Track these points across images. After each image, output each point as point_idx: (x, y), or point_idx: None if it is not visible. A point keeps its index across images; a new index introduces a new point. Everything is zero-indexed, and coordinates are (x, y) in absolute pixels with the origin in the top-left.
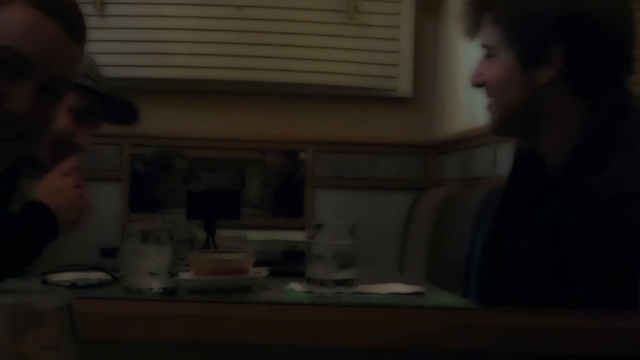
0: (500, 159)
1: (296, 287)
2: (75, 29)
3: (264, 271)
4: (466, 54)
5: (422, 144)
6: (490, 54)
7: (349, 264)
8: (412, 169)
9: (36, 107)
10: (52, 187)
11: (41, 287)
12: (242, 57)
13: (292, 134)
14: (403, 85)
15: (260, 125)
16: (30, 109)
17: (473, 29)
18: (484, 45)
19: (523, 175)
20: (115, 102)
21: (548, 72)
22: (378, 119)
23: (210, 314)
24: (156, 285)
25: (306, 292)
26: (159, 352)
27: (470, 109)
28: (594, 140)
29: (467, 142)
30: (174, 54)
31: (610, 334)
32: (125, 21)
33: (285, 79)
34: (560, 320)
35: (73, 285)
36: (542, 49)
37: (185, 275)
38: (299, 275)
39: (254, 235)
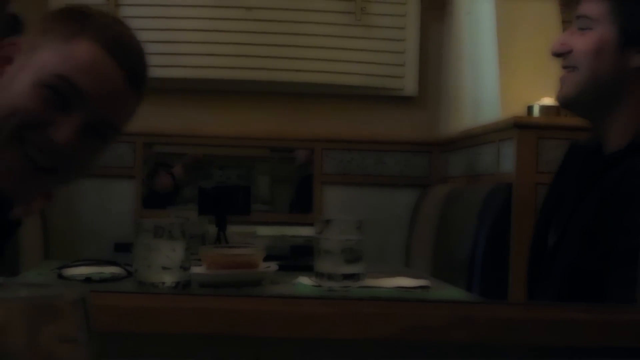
0: (503, 157)
1: (305, 281)
2: (136, 77)
3: (273, 265)
4: (470, 55)
5: (427, 142)
6: (585, 27)
7: (357, 258)
8: (417, 166)
9: (79, 144)
10: None
11: (57, 281)
12: (252, 57)
13: (300, 132)
14: (409, 85)
15: (269, 123)
16: (73, 143)
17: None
18: (580, 17)
19: (578, 163)
20: None
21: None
22: (384, 117)
23: (221, 307)
24: (169, 279)
25: (314, 285)
26: (172, 344)
27: (474, 108)
28: None
29: (471, 140)
30: (186, 54)
31: (610, 326)
32: (139, 22)
33: (294, 79)
34: (562, 314)
35: (88, 279)
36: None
37: (197, 270)
38: (308, 270)
39: (263, 230)
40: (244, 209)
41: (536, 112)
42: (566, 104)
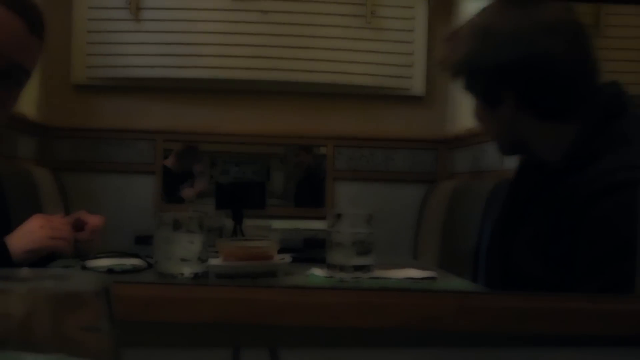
0: None
1: (317, 273)
2: (35, 24)
3: (287, 257)
4: None
5: (434, 140)
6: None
7: (367, 250)
8: (425, 162)
9: None
10: (26, 238)
11: (81, 272)
12: (267, 58)
13: (313, 130)
14: (417, 85)
15: (283, 121)
16: None
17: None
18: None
19: (528, 173)
20: None
21: (506, 109)
22: (393, 116)
23: (237, 297)
24: (187, 270)
25: (327, 277)
26: (190, 332)
27: None
28: (588, 139)
29: (476, 137)
30: (204, 55)
31: (609, 315)
32: (159, 25)
33: (307, 79)
34: (563, 303)
35: (110, 271)
36: (494, 94)
37: (214, 261)
38: (320, 261)
39: (278, 224)
40: (260, 204)
41: None
42: (504, 154)
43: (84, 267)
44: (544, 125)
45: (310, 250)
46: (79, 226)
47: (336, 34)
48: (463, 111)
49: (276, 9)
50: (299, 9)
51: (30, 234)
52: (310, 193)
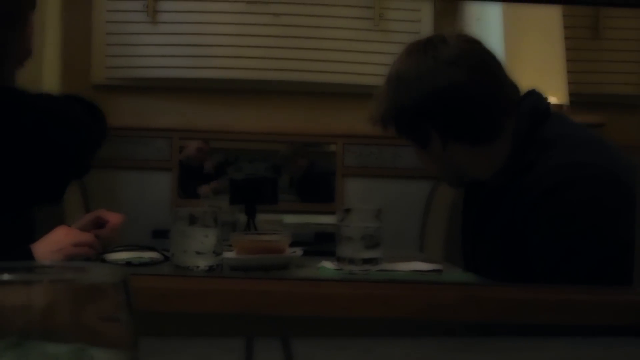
0: None
1: (327, 265)
2: None
3: (298, 251)
4: None
5: None
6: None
7: (375, 244)
8: None
9: None
10: (52, 245)
11: (100, 265)
12: (279, 59)
13: (323, 129)
14: None
15: (295, 120)
16: None
17: None
18: None
19: (474, 191)
20: None
21: (436, 144)
22: None
23: (250, 288)
24: (202, 263)
25: (336, 269)
26: (205, 322)
27: None
28: (519, 151)
29: None
30: (218, 56)
31: (608, 307)
32: (176, 28)
33: (317, 79)
34: (563, 295)
35: (128, 263)
36: (420, 134)
37: (228, 255)
38: (330, 255)
39: (289, 218)
40: (272, 199)
41: None
42: (455, 188)
43: (103, 260)
44: (475, 150)
45: (321, 243)
46: (99, 224)
47: (345, 36)
48: None
49: (287, 12)
50: (310, 12)
51: (56, 243)
52: (313, 190)
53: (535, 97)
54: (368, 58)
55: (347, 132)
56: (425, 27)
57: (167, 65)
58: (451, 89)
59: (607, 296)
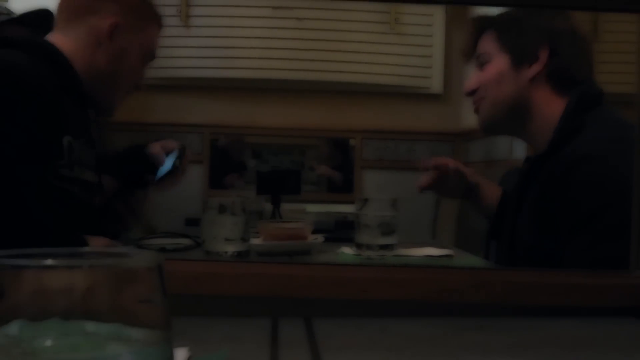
0: (515, 145)
1: (347, 251)
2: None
3: (320, 237)
4: None
5: (451, 133)
6: (484, 61)
7: (391, 231)
8: (442, 153)
9: None
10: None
11: (137, 250)
12: (302, 60)
13: (343, 124)
14: (435, 84)
15: (317, 116)
16: None
17: (471, 48)
18: (478, 56)
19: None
20: (33, 15)
21: (535, 68)
22: (414, 111)
23: (275, 272)
24: (231, 249)
25: (355, 254)
26: (233, 304)
27: None
28: (570, 124)
29: None
30: (246, 58)
31: (608, 289)
32: (206, 31)
33: (338, 79)
34: (566, 278)
35: (163, 249)
36: (532, 50)
37: (255, 241)
38: (349, 241)
39: (312, 207)
40: (295, 190)
41: None
42: (485, 128)
43: (140, 246)
44: (548, 96)
45: (341, 231)
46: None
47: (364, 39)
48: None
49: (310, 17)
50: (331, 17)
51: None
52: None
53: (597, 86)
54: (384, 59)
55: (365, 128)
56: (437, 30)
57: (199, 66)
58: (580, 35)
59: (607, 279)
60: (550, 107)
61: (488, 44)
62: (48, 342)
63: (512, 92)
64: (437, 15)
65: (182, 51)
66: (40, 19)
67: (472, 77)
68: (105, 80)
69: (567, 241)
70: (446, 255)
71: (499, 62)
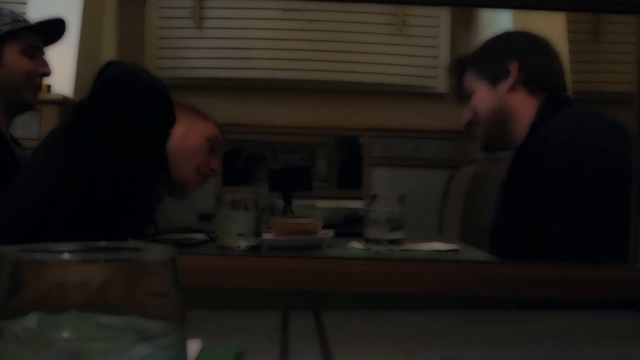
0: None
1: (356, 245)
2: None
3: (330, 232)
4: None
5: (456, 131)
6: (469, 96)
7: (399, 226)
8: (448, 150)
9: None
10: None
11: (151, 245)
12: (313, 61)
13: (352, 123)
14: (441, 84)
15: (327, 115)
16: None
17: (458, 90)
18: (466, 91)
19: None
20: (49, 24)
21: (509, 80)
22: (421, 110)
23: (286, 266)
24: (244, 243)
25: (364, 249)
26: (246, 297)
27: None
28: (541, 117)
29: None
30: (258, 58)
31: (608, 282)
32: (219, 33)
33: (347, 79)
34: (566, 271)
35: (177, 244)
36: (503, 67)
37: (267, 236)
38: (359, 236)
39: (322, 203)
40: (306, 186)
41: None
42: (484, 146)
43: (154, 241)
44: (525, 100)
45: (350, 226)
46: None
47: (372, 40)
48: None
49: (320, 19)
50: (340, 19)
51: None
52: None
53: (558, 86)
54: (392, 60)
55: (373, 126)
56: (443, 31)
57: (212, 67)
58: (548, 44)
59: (607, 273)
60: (527, 107)
61: (468, 81)
62: (65, 334)
63: (495, 106)
64: (443, 17)
65: (196, 52)
66: (54, 28)
67: (465, 111)
68: None
69: (545, 219)
70: (452, 250)
71: (481, 89)
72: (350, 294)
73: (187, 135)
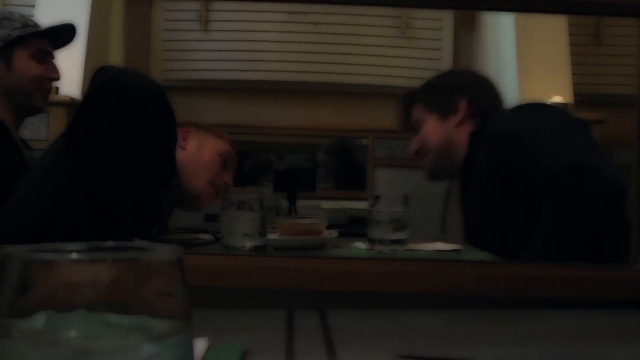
0: None
1: (360, 245)
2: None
3: (334, 232)
4: (494, 61)
5: None
6: (419, 126)
7: (402, 227)
8: None
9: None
10: None
11: (158, 245)
12: (317, 63)
13: (356, 124)
14: None
15: (331, 117)
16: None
17: (406, 121)
18: (414, 123)
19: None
20: (58, 29)
21: (458, 116)
22: None
23: (292, 266)
24: (249, 243)
25: (368, 249)
26: (251, 296)
27: None
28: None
29: None
30: (263, 60)
31: (609, 282)
32: (225, 35)
33: (351, 81)
34: (568, 271)
35: (183, 244)
36: (453, 103)
37: (272, 236)
38: (362, 236)
39: (326, 204)
40: (311, 187)
41: None
42: (433, 176)
43: (160, 241)
44: (466, 131)
45: (354, 226)
46: None
47: (376, 43)
48: None
49: (325, 22)
50: (344, 22)
51: None
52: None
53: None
54: (396, 62)
55: (377, 128)
56: (446, 34)
57: (217, 69)
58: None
59: (609, 272)
60: (467, 138)
61: (418, 112)
62: (72, 333)
63: (444, 139)
64: (446, 19)
65: (202, 54)
66: (64, 33)
67: (413, 140)
68: None
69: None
70: (455, 250)
71: (430, 121)
72: (354, 293)
73: (199, 150)
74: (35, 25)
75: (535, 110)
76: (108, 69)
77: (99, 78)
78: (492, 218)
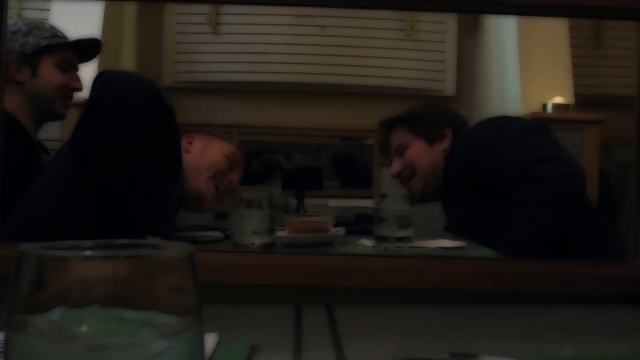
0: None
1: (366, 243)
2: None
3: (341, 230)
4: (497, 62)
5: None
6: (403, 149)
7: (407, 224)
8: None
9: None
10: None
11: (170, 242)
12: (325, 65)
13: (362, 125)
14: (448, 87)
15: (338, 117)
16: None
17: (384, 144)
18: (396, 147)
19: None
20: (85, 43)
21: (444, 143)
22: None
23: (299, 263)
24: (258, 241)
25: (374, 246)
26: (260, 292)
27: (499, 104)
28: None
29: None
30: (272, 62)
31: (609, 278)
32: (234, 38)
33: (358, 82)
34: (569, 268)
35: (194, 241)
36: (440, 131)
37: (280, 233)
38: (369, 234)
39: (333, 202)
40: (318, 186)
41: (549, 108)
42: (422, 199)
43: (172, 238)
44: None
45: (361, 224)
46: None
47: (381, 45)
48: (486, 108)
49: (332, 24)
50: (351, 24)
51: None
52: (358, 177)
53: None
54: (401, 64)
55: None
56: (450, 36)
57: (227, 70)
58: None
59: (609, 269)
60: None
61: (402, 136)
62: (86, 328)
63: (432, 163)
64: (450, 23)
65: (212, 57)
66: (90, 46)
67: (395, 163)
68: None
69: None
70: (458, 247)
71: (417, 145)
72: (361, 290)
73: (205, 151)
74: (64, 36)
75: (498, 121)
76: (107, 73)
77: (99, 81)
78: (473, 217)
